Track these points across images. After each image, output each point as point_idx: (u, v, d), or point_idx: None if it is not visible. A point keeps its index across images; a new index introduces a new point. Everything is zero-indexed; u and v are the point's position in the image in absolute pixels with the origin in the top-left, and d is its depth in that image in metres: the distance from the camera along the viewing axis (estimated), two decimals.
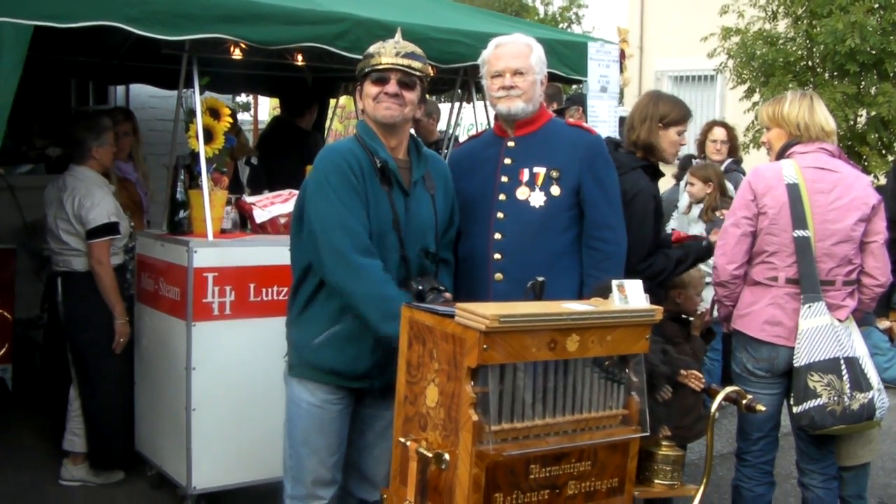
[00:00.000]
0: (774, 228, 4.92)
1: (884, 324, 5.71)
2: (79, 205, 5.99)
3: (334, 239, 3.93)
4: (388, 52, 4.12)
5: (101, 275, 6.01)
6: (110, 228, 6.05)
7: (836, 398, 4.74)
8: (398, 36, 4.29)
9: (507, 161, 4.49)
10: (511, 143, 4.53)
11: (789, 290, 4.93)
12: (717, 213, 7.53)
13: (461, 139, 8.98)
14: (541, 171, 4.43)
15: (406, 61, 4.11)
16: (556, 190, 4.40)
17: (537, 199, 4.40)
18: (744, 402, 4.26)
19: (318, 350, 4.10)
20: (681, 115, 5.16)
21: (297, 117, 8.56)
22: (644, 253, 4.90)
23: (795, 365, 4.82)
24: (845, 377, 4.76)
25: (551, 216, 4.40)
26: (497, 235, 4.41)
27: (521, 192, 4.42)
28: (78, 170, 6.15)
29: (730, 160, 8.67)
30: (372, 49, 4.19)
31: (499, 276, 4.38)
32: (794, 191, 4.89)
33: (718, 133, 8.72)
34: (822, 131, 5.04)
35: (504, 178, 4.46)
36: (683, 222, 7.96)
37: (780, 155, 5.10)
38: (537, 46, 4.58)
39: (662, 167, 5.33)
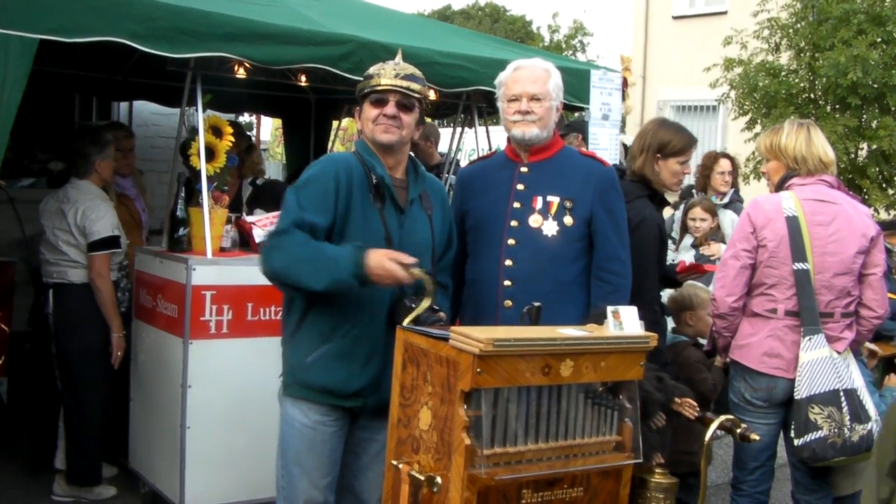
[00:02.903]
0: (774, 261, 4.92)
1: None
2: (83, 216, 5.98)
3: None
4: (387, 74, 4.12)
5: (101, 288, 6.00)
6: (113, 242, 6.05)
7: (836, 430, 4.74)
8: (398, 57, 4.29)
9: (520, 187, 4.50)
10: (524, 169, 4.54)
11: (788, 322, 4.93)
12: (705, 246, 7.56)
13: (462, 164, 8.99)
14: (555, 200, 4.44)
15: (405, 83, 4.12)
16: (568, 220, 4.41)
17: (550, 228, 4.41)
18: (738, 431, 4.26)
19: (310, 369, 4.09)
20: (682, 144, 5.13)
21: None
22: (648, 283, 4.90)
23: (796, 397, 4.81)
24: (845, 409, 4.76)
25: (563, 246, 4.41)
26: (508, 262, 4.41)
27: (534, 220, 4.43)
28: (80, 183, 6.14)
29: (732, 191, 8.69)
30: (371, 70, 4.19)
31: (508, 302, 4.38)
32: (793, 223, 4.90)
33: (725, 164, 8.73)
34: (821, 163, 5.04)
35: (516, 204, 4.47)
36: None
37: (780, 186, 5.10)
38: (555, 72, 4.58)
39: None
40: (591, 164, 4.61)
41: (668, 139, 5.11)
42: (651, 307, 4.87)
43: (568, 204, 4.43)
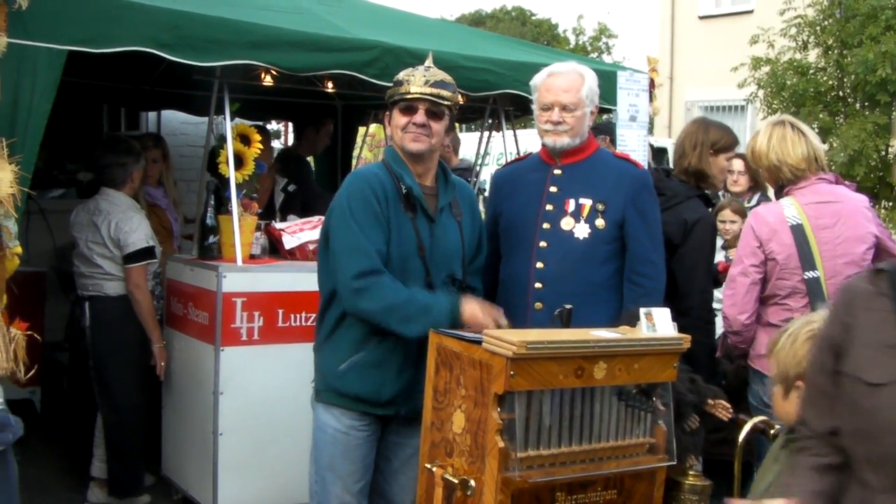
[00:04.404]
0: (785, 272, 4.85)
1: None
2: (116, 228, 5.96)
3: (348, 264, 3.95)
4: (416, 81, 4.09)
5: (140, 299, 5.98)
6: (149, 252, 6.04)
7: None
8: (429, 61, 4.27)
9: (553, 189, 4.48)
10: (557, 171, 4.52)
11: None
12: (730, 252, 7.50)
13: (490, 168, 8.95)
14: (587, 202, 4.42)
15: (435, 90, 4.09)
16: (600, 223, 4.39)
17: (582, 230, 4.39)
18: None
19: (342, 377, 4.09)
20: (730, 141, 5.20)
21: (298, 140, 8.60)
22: (702, 283, 4.89)
23: None
24: None
25: (593, 248, 4.39)
26: (539, 264, 4.40)
27: (566, 223, 4.41)
28: (112, 193, 6.11)
29: (759, 194, 8.57)
30: (401, 76, 4.17)
31: (538, 304, 4.37)
32: (798, 232, 4.81)
33: (736, 164, 8.63)
34: (796, 169, 4.91)
35: (549, 207, 4.45)
36: None
37: (778, 192, 5.04)
38: (590, 76, 4.54)
39: None
40: (625, 166, 4.58)
41: (719, 135, 5.15)
42: (705, 307, 4.87)
43: (600, 206, 4.41)
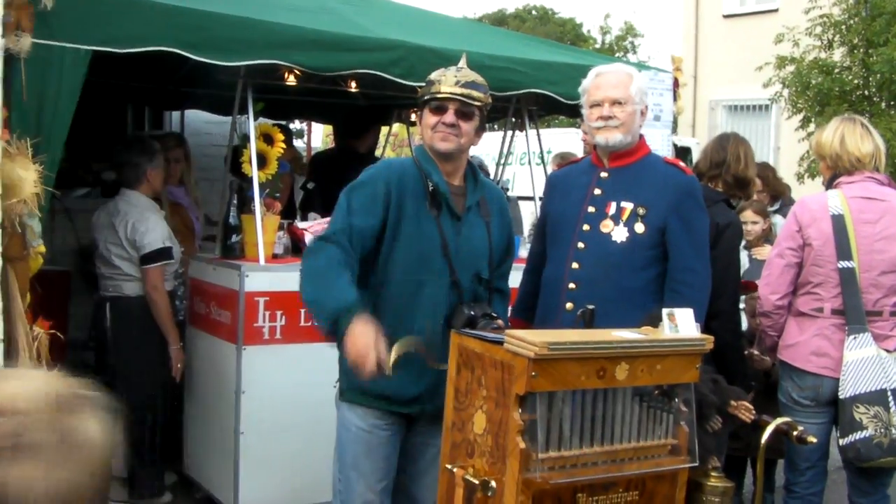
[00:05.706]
0: (819, 260, 4.88)
1: None
2: (132, 229, 5.97)
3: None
4: (448, 81, 4.09)
5: (157, 300, 6.00)
6: (165, 253, 6.04)
7: (882, 430, 4.69)
8: (462, 62, 4.26)
9: (597, 191, 4.47)
10: (604, 174, 4.50)
11: (835, 321, 4.88)
12: (757, 248, 7.44)
13: (513, 168, 8.95)
14: (628, 206, 4.39)
15: (465, 91, 4.08)
16: (640, 227, 4.36)
17: (619, 234, 4.36)
18: (794, 433, 4.21)
19: None
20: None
21: (354, 140, 8.50)
22: (732, 284, 4.91)
23: (841, 397, 4.77)
24: (892, 409, 4.70)
25: (631, 253, 4.36)
26: (574, 265, 4.39)
27: (605, 225, 4.39)
28: (130, 194, 6.14)
29: (780, 202, 8.35)
30: (434, 76, 4.17)
31: (570, 305, 4.35)
32: (838, 222, 4.85)
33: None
34: (857, 161, 4.95)
35: (591, 209, 4.44)
36: None
37: (829, 185, 5.07)
38: (638, 76, 4.55)
39: None
40: (672, 171, 4.54)
41: (752, 151, 5.36)
42: (735, 309, 4.91)
43: (641, 211, 4.37)
